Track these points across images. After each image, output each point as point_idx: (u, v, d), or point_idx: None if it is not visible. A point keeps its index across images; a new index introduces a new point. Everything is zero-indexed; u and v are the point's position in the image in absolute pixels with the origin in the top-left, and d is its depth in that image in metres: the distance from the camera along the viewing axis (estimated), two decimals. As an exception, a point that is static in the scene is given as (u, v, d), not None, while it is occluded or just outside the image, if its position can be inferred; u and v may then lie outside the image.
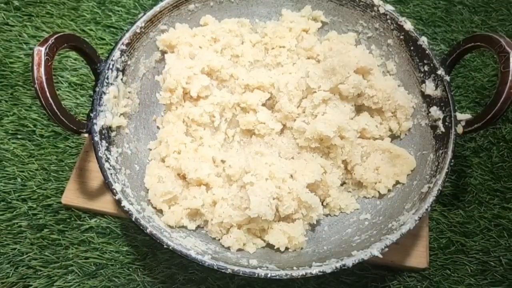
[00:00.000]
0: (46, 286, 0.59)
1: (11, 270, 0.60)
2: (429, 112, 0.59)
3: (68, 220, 0.63)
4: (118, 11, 0.80)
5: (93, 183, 0.64)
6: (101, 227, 0.63)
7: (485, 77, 0.75)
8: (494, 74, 0.75)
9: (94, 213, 0.63)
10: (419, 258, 0.59)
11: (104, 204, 0.62)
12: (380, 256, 0.48)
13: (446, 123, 0.56)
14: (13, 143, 0.69)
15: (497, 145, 0.69)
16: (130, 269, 0.60)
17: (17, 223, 0.63)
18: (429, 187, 0.53)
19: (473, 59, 0.77)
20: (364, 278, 0.59)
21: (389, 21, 0.63)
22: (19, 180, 0.66)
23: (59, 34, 0.51)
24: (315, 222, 0.57)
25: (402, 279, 0.60)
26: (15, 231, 0.62)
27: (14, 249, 0.61)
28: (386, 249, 0.48)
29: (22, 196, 0.65)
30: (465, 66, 0.76)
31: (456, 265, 0.61)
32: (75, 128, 0.52)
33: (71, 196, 0.63)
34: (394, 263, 0.59)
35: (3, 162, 0.67)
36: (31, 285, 0.59)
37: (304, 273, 0.46)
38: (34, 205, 0.64)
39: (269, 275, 0.46)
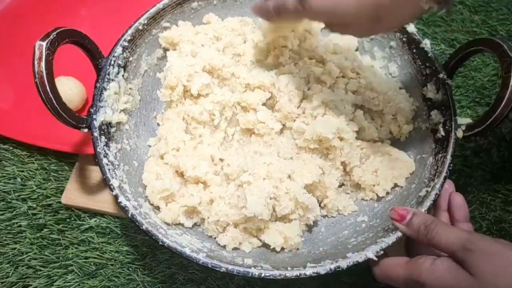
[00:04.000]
0: (45, 286, 0.59)
1: (10, 269, 0.60)
2: (430, 115, 0.59)
3: (68, 219, 0.64)
4: (122, 8, 0.80)
5: (93, 182, 0.64)
6: (101, 227, 0.63)
7: (485, 77, 0.75)
8: (494, 73, 0.75)
9: (94, 213, 0.64)
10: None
11: (104, 203, 0.63)
12: (375, 259, 0.47)
13: (447, 127, 0.56)
14: (13, 142, 0.69)
15: (498, 145, 0.69)
16: (130, 269, 0.60)
17: (17, 222, 0.63)
18: (427, 191, 0.53)
19: (473, 58, 0.77)
20: (364, 279, 0.59)
21: (392, 23, 0.63)
22: (18, 179, 0.66)
23: (61, 29, 0.51)
24: (311, 223, 0.57)
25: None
26: (14, 231, 0.63)
27: (14, 248, 0.61)
28: (382, 252, 0.48)
29: (22, 196, 0.65)
30: (465, 65, 0.76)
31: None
32: (74, 123, 0.52)
33: (71, 196, 0.63)
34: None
35: (3, 161, 0.68)
36: (31, 285, 0.59)
37: (298, 274, 0.46)
38: (34, 205, 0.64)
39: (263, 275, 0.46)
